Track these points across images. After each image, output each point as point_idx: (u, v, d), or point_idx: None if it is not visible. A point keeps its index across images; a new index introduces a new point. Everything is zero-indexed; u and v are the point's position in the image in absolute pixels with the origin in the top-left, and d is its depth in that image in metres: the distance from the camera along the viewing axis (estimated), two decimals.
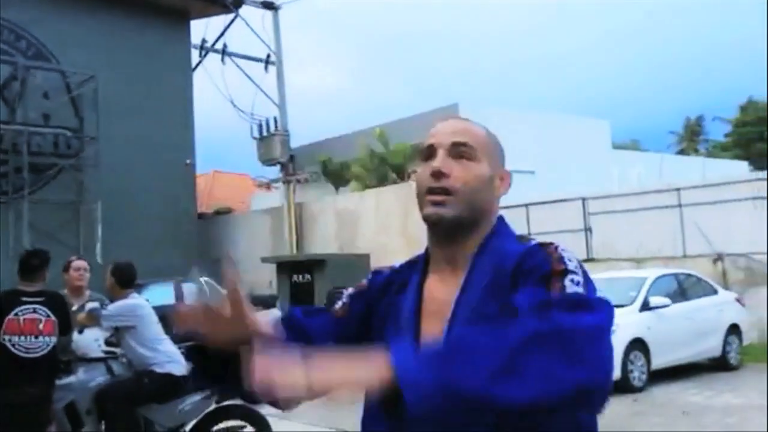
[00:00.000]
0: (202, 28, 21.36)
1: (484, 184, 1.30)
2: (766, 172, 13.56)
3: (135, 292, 5.22)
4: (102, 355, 5.19)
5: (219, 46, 21.01)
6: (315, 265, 14.86)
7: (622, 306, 8.84)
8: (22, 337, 4.55)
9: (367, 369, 0.98)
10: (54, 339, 4.66)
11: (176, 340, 5.08)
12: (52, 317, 4.65)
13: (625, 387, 8.50)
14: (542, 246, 1.24)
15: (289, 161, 20.40)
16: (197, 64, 21.48)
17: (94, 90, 18.47)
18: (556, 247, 1.22)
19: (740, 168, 25.58)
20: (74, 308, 5.06)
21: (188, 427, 5.14)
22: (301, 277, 15.01)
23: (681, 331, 9.60)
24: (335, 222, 18.83)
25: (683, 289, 10.35)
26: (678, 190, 13.84)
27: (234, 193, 26.90)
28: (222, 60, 20.78)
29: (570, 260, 1.18)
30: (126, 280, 5.08)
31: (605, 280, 9.24)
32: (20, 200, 17.41)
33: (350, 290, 1.44)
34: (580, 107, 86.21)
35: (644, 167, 21.23)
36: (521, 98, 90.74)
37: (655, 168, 20.44)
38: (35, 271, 4.70)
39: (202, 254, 20.46)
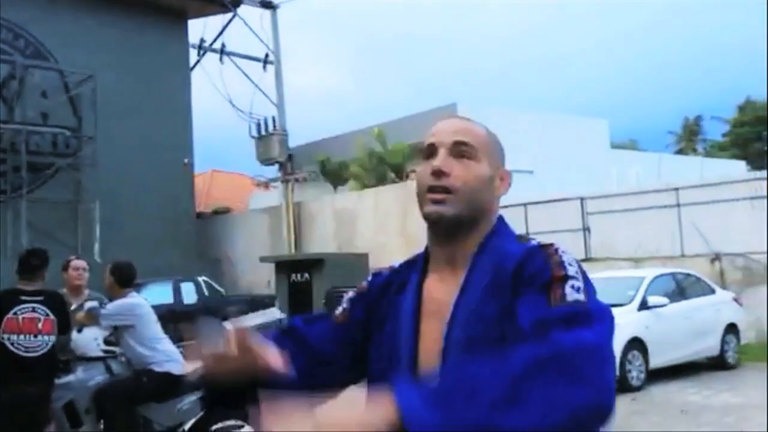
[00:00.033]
0: (201, 28, 21.41)
1: (485, 183, 1.31)
2: (765, 171, 13.57)
3: (134, 291, 5.23)
4: (101, 354, 5.19)
5: (217, 45, 21.02)
6: (313, 264, 14.85)
7: (620, 305, 8.86)
8: (21, 336, 4.56)
9: (372, 412, 0.99)
10: (53, 338, 4.66)
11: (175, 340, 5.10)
12: (51, 316, 4.66)
13: (623, 386, 8.51)
14: (542, 247, 1.24)
15: (288, 161, 20.40)
16: (195, 64, 21.49)
17: (92, 89, 18.47)
18: (557, 249, 1.22)
19: (738, 168, 25.61)
20: (73, 307, 5.07)
21: (187, 426, 5.13)
22: (299, 276, 15.00)
23: (679, 330, 9.62)
24: (334, 221, 18.84)
25: (681, 288, 10.37)
26: (676, 189, 13.86)
27: (232, 193, 26.87)
28: (220, 59, 20.79)
29: (570, 264, 1.18)
30: (125, 279, 5.09)
31: (603, 279, 9.23)
32: (18, 199, 17.41)
33: (350, 294, 1.44)
34: (579, 107, 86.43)
35: (642, 167, 21.26)
36: (519, 98, 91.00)
37: (653, 168, 20.46)
38: (35, 271, 4.71)
39: (201, 254, 20.48)
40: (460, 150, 1.30)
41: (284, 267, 15.57)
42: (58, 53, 18.74)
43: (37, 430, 4.61)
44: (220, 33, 21.10)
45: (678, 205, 13.73)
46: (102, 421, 5.00)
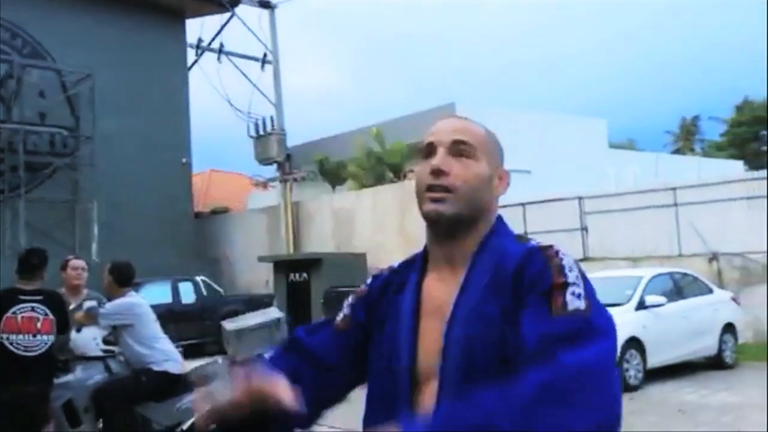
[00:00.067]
0: (198, 27, 21.34)
1: (484, 182, 1.31)
2: (765, 171, 13.57)
3: (132, 291, 5.23)
4: (100, 353, 5.20)
5: (215, 45, 21.00)
6: (312, 264, 14.85)
7: (617, 305, 8.87)
8: (20, 336, 4.56)
9: None
10: (52, 337, 4.67)
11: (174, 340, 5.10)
12: (50, 316, 4.66)
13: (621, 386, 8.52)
14: (542, 249, 1.24)
15: (286, 160, 20.38)
16: (193, 63, 21.45)
17: (90, 89, 18.43)
18: (557, 252, 1.23)
19: (736, 167, 25.64)
20: (72, 307, 5.07)
21: (186, 426, 5.14)
22: (297, 276, 15.00)
23: (677, 330, 9.63)
24: (332, 221, 18.84)
25: (679, 288, 10.38)
26: (674, 189, 13.87)
27: (230, 192, 26.85)
28: (218, 59, 20.75)
29: (570, 269, 1.19)
30: (124, 278, 5.09)
31: (601, 279, 9.24)
32: (16, 199, 17.39)
33: (350, 299, 1.44)
34: (577, 107, 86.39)
35: (640, 167, 21.26)
36: (517, 98, 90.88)
37: (651, 167, 20.45)
38: (34, 270, 4.71)
39: (199, 253, 20.46)
40: (459, 149, 1.30)
41: (282, 266, 15.57)
42: (55, 52, 18.71)
43: (36, 430, 4.62)
44: (218, 32, 21.09)
45: (675, 205, 13.74)
46: (101, 421, 5.00)
